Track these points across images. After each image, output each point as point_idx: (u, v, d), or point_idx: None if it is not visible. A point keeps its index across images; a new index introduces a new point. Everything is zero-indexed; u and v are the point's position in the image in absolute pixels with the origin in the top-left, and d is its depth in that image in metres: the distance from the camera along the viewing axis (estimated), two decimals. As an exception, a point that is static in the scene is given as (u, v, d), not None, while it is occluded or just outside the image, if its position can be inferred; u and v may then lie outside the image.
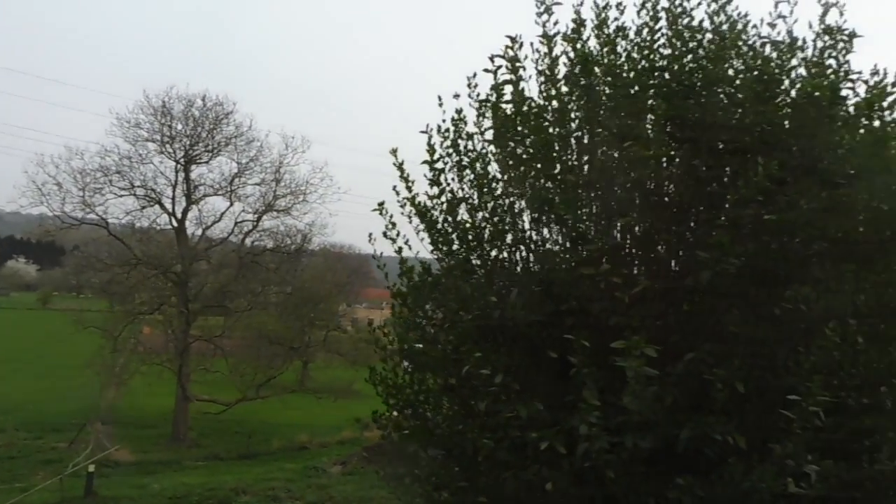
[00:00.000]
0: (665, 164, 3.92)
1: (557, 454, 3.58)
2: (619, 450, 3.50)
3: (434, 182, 4.71)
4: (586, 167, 4.12)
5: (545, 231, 4.22)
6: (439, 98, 4.64)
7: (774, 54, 3.95)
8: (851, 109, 3.94)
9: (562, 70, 4.28)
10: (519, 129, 4.27)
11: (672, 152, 3.87)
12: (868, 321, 3.74)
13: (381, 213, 4.74)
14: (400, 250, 4.83)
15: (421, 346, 4.79)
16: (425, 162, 4.63)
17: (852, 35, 3.90)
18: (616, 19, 4.33)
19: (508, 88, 4.32)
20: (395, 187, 4.88)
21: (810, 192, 3.59)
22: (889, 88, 3.98)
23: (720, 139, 3.70)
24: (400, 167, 4.86)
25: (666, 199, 3.89)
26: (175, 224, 25.88)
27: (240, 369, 26.11)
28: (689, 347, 3.57)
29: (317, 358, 31.31)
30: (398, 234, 4.85)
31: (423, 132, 4.59)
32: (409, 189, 4.87)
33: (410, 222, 4.92)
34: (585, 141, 4.13)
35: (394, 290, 4.86)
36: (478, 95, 4.56)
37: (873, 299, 3.75)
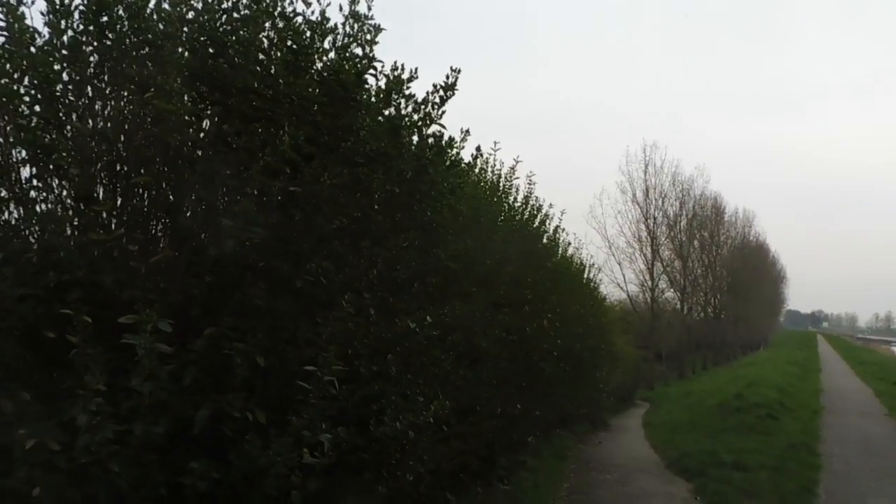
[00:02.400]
0: (194, 126, 3.65)
1: (52, 452, 3.03)
2: (127, 439, 3.12)
3: None
4: (101, 117, 3.58)
5: (47, 188, 3.54)
6: None
7: (308, 32, 4.00)
8: (373, 97, 4.23)
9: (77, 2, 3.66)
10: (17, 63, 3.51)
11: (201, 113, 3.63)
12: (379, 294, 4.07)
13: None
14: None
15: None
16: None
17: (377, 28, 4.17)
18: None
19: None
20: None
21: (334, 169, 3.73)
22: (406, 83, 4.37)
23: (251, 105, 3.58)
24: None
25: (194, 161, 3.62)
26: None
27: None
28: (211, 322, 3.37)
29: None
30: None
31: None
32: None
33: None
34: (103, 87, 3.59)
35: None
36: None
37: (384, 274, 4.09)
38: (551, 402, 10.42)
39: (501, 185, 8.71)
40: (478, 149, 6.97)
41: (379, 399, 4.13)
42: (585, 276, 14.37)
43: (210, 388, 3.32)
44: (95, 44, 3.61)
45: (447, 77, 4.33)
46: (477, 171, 8.11)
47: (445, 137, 4.63)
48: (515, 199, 9.00)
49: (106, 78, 3.64)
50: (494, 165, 8.71)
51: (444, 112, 4.34)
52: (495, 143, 8.51)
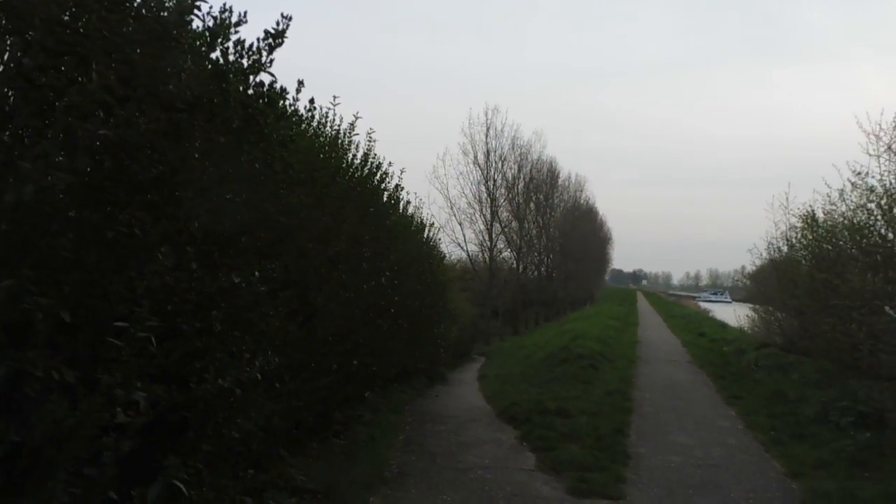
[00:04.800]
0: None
1: None
2: None
3: None
4: None
5: None
6: None
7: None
8: (197, 39, 4.00)
9: None
10: None
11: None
12: (203, 248, 3.91)
13: None
14: None
15: None
16: None
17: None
18: None
19: None
20: None
21: (151, 114, 3.50)
22: (233, 28, 4.17)
23: (57, 39, 3.26)
24: None
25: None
26: None
27: None
28: (9, 274, 3.09)
29: None
30: None
31: None
32: None
33: None
34: None
35: None
36: None
37: (208, 227, 3.93)
38: (389, 358, 10.60)
39: (341, 140, 8.60)
40: (311, 101, 6.80)
41: (202, 356, 4.00)
42: (425, 234, 14.62)
43: (8, 346, 3.06)
44: None
45: (277, 24, 4.17)
46: (315, 125, 7.94)
47: (277, 87, 4.49)
48: (355, 155, 8.92)
49: None
50: (333, 121, 8.58)
51: (273, 60, 4.19)
52: (334, 97, 8.37)
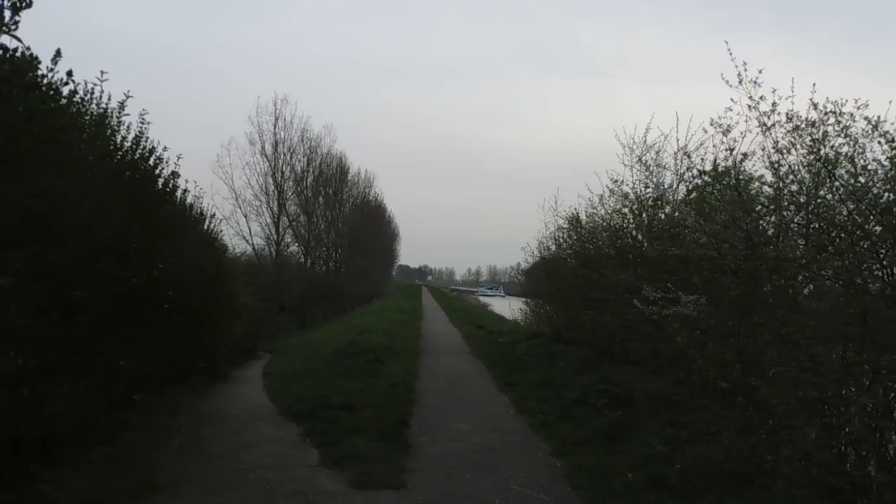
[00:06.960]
0: None
1: None
2: None
3: None
4: None
5: None
6: None
7: None
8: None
9: None
10: None
11: None
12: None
13: None
14: None
15: None
16: None
17: None
18: None
19: None
20: None
21: None
22: None
23: None
24: None
25: None
26: None
27: None
28: None
29: None
30: None
31: None
32: None
33: None
34: None
35: None
36: None
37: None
38: (162, 357, 9.93)
39: (109, 120, 7.86)
40: (69, 73, 6.09)
41: None
42: (206, 226, 13.89)
43: None
44: None
45: (26, -19, 3.67)
46: (77, 100, 7.18)
47: (26, 55, 3.97)
48: (125, 137, 8.21)
49: None
50: (100, 98, 7.82)
51: (18, 22, 3.68)
52: (102, 72, 7.64)
